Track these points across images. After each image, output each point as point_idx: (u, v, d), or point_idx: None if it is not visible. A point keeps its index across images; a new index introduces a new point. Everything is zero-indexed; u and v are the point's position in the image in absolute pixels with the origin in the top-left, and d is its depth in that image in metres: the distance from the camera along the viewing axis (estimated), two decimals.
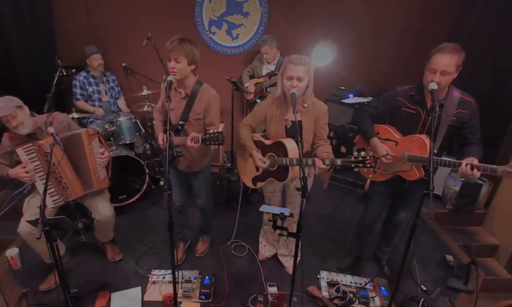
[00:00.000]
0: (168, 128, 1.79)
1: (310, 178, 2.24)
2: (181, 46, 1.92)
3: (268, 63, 3.59)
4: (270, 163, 2.08)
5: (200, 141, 1.89)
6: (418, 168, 1.97)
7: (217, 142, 1.87)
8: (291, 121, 2.06)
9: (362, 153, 1.76)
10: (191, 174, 2.33)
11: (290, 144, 2.01)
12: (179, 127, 2.10)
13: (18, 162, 2.15)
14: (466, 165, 1.72)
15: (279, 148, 2.05)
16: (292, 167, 2.01)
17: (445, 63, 1.76)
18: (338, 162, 1.83)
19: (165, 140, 1.94)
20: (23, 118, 2.07)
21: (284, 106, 2.07)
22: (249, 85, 3.68)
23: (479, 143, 1.90)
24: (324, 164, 1.85)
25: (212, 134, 1.86)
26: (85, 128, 2.31)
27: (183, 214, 2.57)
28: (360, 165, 1.76)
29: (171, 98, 1.91)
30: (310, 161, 1.91)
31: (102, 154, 2.34)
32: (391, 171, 2.10)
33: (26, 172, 2.10)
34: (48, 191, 2.17)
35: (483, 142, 1.90)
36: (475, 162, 1.73)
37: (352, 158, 1.79)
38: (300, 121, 2.01)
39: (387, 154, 2.00)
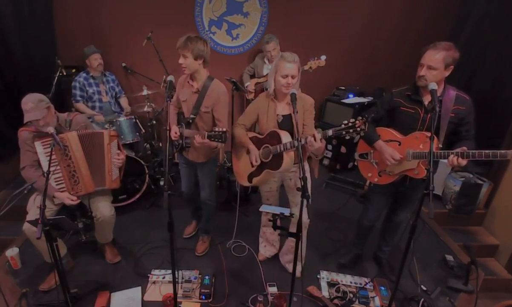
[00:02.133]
0: (168, 129, 1.84)
1: (308, 175, 2.21)
2: (186, 43, 2.05)
3: (271, 62, 3.58)
4: (264, 155, 2.14)
5: (206, 137, 1.99)
6: (425, 164, 1.98)
7: (220, 140, 1.95)
8: (282, 115, 2.13)
9: (352, 119, 1.73)
10: (199, 164, 2.42)
11: (284, 134, 2.05)
12: (190, 120, 2.22)
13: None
14: (467, 153, 1.74)
15: (273, 138, 2.09)
16: (287, 153, 2.03)
17: (431, 58, 1.83)
18: (330, 132, 1.79)
19: (177, 133, 2.19)
20: (50, 119, 2.15)
21: (275, 102, 2.14)
22: (250, 84, 3.69)
23: (473, 139, 1.95)
24: (316, 139, 1.82)
25: (217, 132, 1.95)
26: (108, 130, 2.41)
27: (193, 199, 2.68)
28: (351, 130, 1.72)
29: (172, 96, 2.00)
30: (303, 140, 1.88)
31: (119, 155, 2.42)
32: (398, 171, 2.09)
33: (71, 199, 2.22)
34: (58, 186, 2.24)
35: (483, 142, 1.91)
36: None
37: (343, 126, 1.74)
38: (289, 115, 2.11)
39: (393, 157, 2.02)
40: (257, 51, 3.89)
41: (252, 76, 3.81)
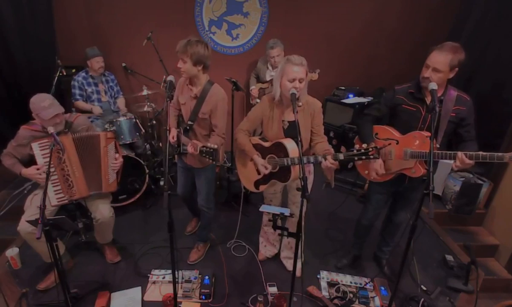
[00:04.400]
0: (168, 128, 1.82)
1: (310, 175, 2.24)
2: (185, 47, 1.99)
3: (275, 67, 3.51)
4: (271, 165, 2.09)
5: (197, 151, 1.99)
6: (422, 164, 1.98)
7: (210, 158, 1.95)
8: (288, 121, 2.08)
9: (364, 145, 1.76)
10: (196, 170, 2.39)
11: (290, 145, 2.01)
12: (188, 127, 2.21)
13: (31, 155, 2.18)
14: (467, 155, 1.76)
15: (279, 149, 2.05)
16: (294, 166, 2.01)
17: (437, 60, 1.80)
18: (341, 156, 1.82)
19: (174, 138, 2.18)
20: (62, 118, 2.15)
21: (280, 107, 2.08)
22: (254, 88, 3.64)
23: (475, 140, 1.95)
24: (331, 160, 1.84)
25: (208, 149, 1.95)
26: (104, 132, 2.36)
27: (188, 199, 2.69)
28: (363, 157, 1.74)
29: (172, 96, 2.00)
30: (312, 159, 1.91)
31: (116, 159, 2.39)
32: (395, 170, 2.09)
33: (40, 174, 2.14)
34: (54, 188, 2.22)
35: (483, 142, 1.92)
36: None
37: (355, 151, 1.77)
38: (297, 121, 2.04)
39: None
40: (258, 56, 3.86)
41: (258, 80, 3.78)
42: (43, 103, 2.02)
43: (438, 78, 1.84)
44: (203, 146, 1.96)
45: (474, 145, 1.91)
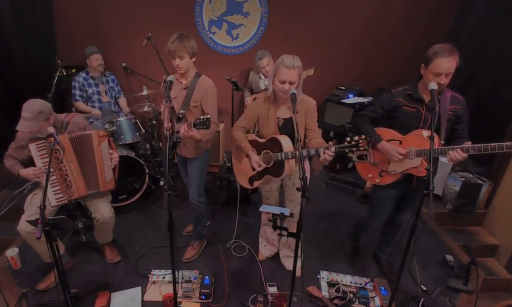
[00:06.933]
0: (168, 128, 1.82)
1: (306, 172, 2.24)
2: (182, 44, 2.09)
3: (267, 76, 3.53)
4: (265, 160, 2.12)
5: (192, 126, 2.01)
6: (427, 162, 1.98)
7: (204, 127, 1.96)
8: (283, 119, 2.10)
9: (356, 137, 1.78)
10: (189, 160, 2.44)
11: (285, 141, 2.03)
12: (181, 115, 2.26)
13: (30, 157, 2.19)
14: (472, 148, 1.79)
15: (274, 145, 2.07)
16: (288, 161, 2.02)
17: (449, 66, 1.82)
18: (332, 148, 1.84)
19: (169, 124, 2.11)
20: (44, 129, 2.11)
21: (275, 105, 2.11)
22: (249, 99, 3.66)
23: (467, 138, 1.98)
24: (330, 152, 1.85)
25: (201, 120, 1.96)
26: (96, 130, 2.36)
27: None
28: (354, 149, 1.78)
29: (172, 89, 2.01)
30: (304, 152, 1.92)
31: (111, 154, 2.39)
32: (401, 170, 2.08)
33: (37, 176, 2.15)
34: (53, 188, 2.23)
35: (483, 142, 1.92)
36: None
37: (345, 143, 1.81)
38: (291, 119, 2.07)
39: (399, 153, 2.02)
40: (248, 70, 3.86)
41: (252, 92, 3.80)
42: (24, 113, 2.01)
43: (449, 79, 1.87)
44: (196, 120, 1.97)
45: (468, 142, 1.92)
